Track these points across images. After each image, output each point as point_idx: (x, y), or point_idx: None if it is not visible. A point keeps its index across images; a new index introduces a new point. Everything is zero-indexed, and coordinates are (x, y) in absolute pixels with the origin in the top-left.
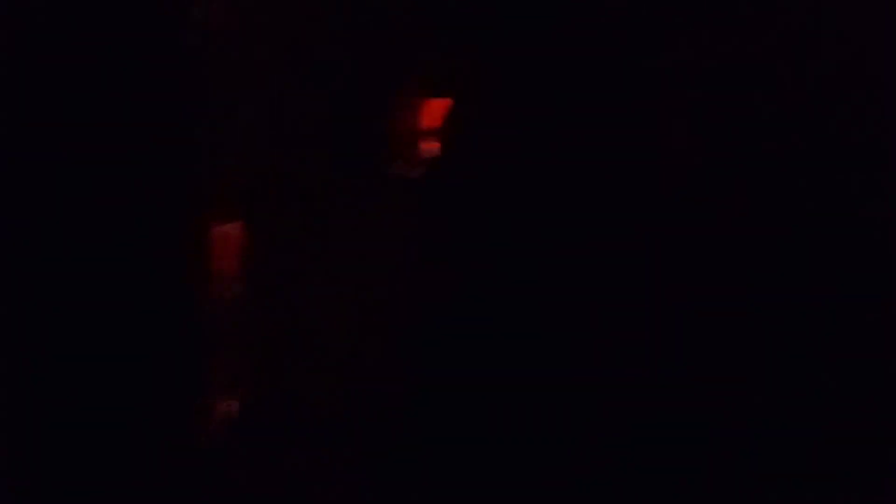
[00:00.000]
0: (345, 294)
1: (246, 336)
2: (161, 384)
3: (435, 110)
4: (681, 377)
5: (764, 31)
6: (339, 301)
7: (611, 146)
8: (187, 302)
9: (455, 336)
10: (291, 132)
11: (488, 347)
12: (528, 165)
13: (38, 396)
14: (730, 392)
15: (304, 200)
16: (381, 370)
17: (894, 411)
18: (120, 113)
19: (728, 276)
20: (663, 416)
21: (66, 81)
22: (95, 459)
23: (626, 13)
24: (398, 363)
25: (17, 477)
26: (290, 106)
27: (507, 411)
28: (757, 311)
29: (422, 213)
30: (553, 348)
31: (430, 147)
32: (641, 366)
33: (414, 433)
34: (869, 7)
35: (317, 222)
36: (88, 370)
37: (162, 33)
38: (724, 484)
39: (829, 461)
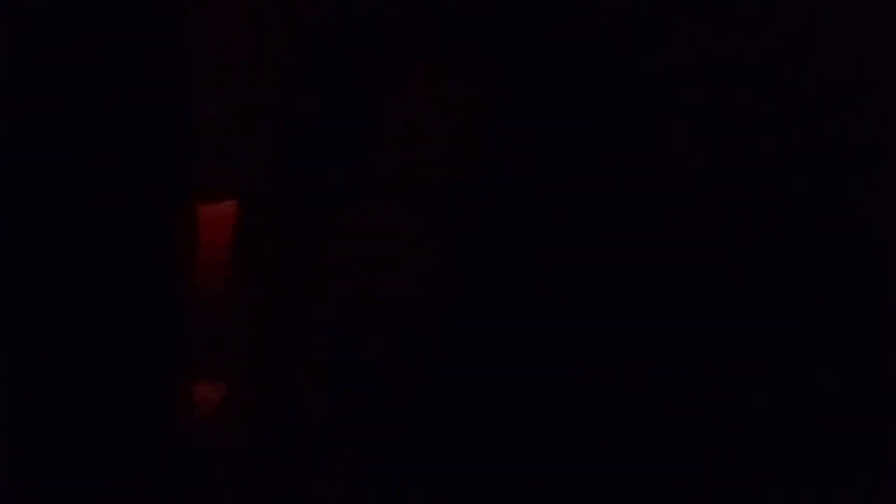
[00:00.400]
0: (342, 287)
1: (237, 324)
2: (144, 373)
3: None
4: (681, 377)
5: (764, 31)
6: (336, 294)
7: (610, 146)
8: (173, 287)
9: (456, 337)
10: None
11: (491, 348)
12: (527, 165)
13: (15, 388)
14: (729, 392)
15: (304, 186)
16: (381, 368)
17: (894, 411)
18: (101, 83)
19: (728, 276)
20: (663, 416)
21: (52, 63)
22: (73, 451)
23: (626, 13)
24: (398, 361)
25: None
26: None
27: (510, 414)
28: (756, 311)
29: (421, 212)
30: (555, 349)
31: (433, 146)
32: (643, 367)
33: (415, 432)
34: (869, 7)
35: (317, 211)
36: (66, 360)
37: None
38: (724, 484)
39: (829, 461)
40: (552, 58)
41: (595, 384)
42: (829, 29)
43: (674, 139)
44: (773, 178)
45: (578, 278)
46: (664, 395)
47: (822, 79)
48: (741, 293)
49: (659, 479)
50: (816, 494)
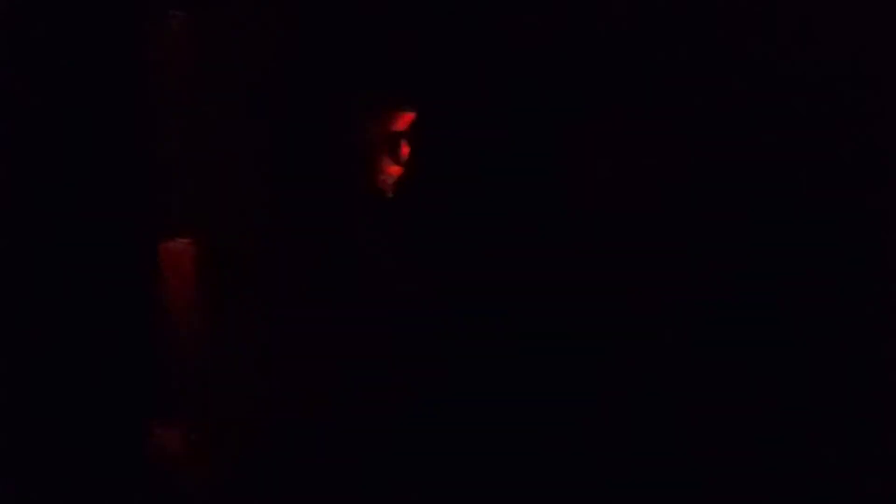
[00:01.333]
0: (311, 310)
1: (200, 355)
2: (110, 405)
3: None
4: (680, 376)
5: (763, 31)
6: (305, 318)
7: (612, 146)
8: (138, 320)
9: (439, 347)
10: (248, 150)
11: (474, 350)
12: (527, 164)
13: None
14: (729, 391)
15: (263, 215)
16: (353, 383)
17: (893, 411)
18: (67, 125)
19: (728, 275)
20: (662, 414)
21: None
22: (41, 482)
23: (626, 13)
24: (371, 378)
25: None
26: (246, 121)
27: (500, 416)
28: (756, 310)
29: (406, 225)
30: (549, 349)
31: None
32: (641, 366)
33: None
34: (869, 7)
35: (280, 238)
36: (34, 392)
37: (116, 51)
38: (725, 483)
39: (829, 460)
40: (553, 57)
41: (592, 380)
42: (828, 29)
43: (674, 139)
44: (773, 178)
45: (577, 276)
46: (662, 394)
47: (822, 79)
48: (741, 293)
49: (658, 478)
50: (815, 493)
